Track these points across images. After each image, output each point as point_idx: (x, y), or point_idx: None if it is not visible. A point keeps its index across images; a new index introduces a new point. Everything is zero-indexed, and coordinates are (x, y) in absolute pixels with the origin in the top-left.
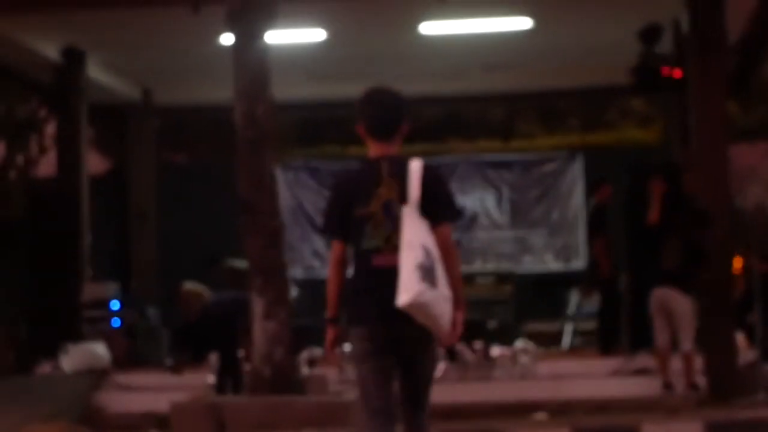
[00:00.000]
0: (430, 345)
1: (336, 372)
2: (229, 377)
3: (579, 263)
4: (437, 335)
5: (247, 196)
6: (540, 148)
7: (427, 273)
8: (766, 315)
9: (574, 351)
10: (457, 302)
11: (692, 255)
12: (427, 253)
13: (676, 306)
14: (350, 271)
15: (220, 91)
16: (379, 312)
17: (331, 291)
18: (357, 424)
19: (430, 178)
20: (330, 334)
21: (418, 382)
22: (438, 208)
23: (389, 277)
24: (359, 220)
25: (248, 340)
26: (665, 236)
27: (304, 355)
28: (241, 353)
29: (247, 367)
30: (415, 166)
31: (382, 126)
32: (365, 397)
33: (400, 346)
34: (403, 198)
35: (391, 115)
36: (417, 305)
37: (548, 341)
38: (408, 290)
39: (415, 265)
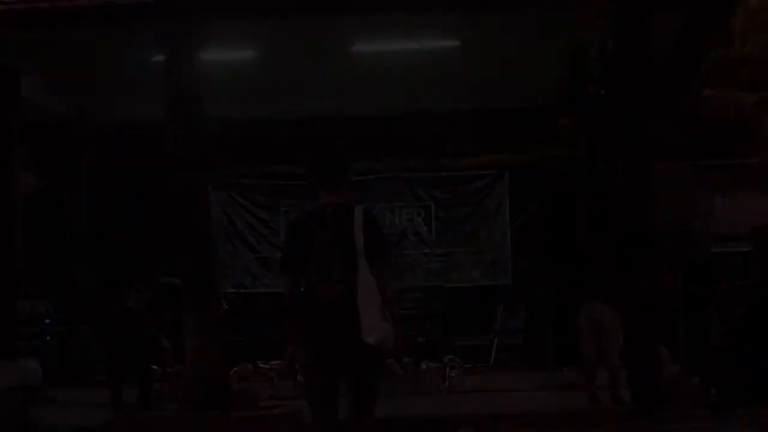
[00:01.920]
0: (368, 367)
1: (267, 386)
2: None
3: (506, 279)
4: (384, 352)
5: (181, 213)
6: (468, 167)
7: (387, 311)
8: (689, 330)
9: (501, 365)
10: (396, 324)
11: (620, 271)
12: (379, 293)
13: (604, 321)
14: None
15: (153, 110)
16: (321, 335)
17: (289, 314)
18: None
19: (369, 223)
20: (288, 351)
21: (357, 399)
22: (376, 248)
23: (329, 305)
24: (307, 256)
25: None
26: (592, 253)
27: (236, 370)
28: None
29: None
30: (358, 215)
31: (328, 179)
32: (309, 405)
33: (341, 366)
34: (341, 239)
35: (335, 169)
36: (382, 341)
37: (476, 356)
38: (374, 329)
39: (378, 307)
